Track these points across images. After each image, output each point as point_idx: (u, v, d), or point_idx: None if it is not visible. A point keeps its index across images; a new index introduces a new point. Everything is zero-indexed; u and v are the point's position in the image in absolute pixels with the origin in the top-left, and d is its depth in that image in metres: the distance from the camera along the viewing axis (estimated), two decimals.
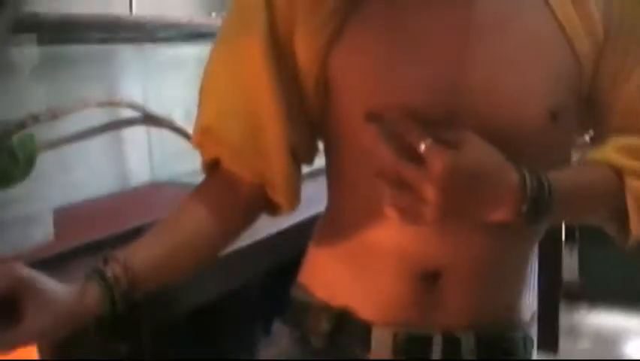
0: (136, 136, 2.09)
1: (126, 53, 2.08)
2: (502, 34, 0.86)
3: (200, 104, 0.95)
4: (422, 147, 0.76)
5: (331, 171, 0.99)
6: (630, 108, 0.92)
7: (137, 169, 2.18)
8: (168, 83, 2.15)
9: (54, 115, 1.57)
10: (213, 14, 2.16)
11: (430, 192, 0.75)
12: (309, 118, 0.94)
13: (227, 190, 0.94)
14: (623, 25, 0.90)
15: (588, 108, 0.93)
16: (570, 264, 3.55)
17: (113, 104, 1.77)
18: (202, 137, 0.94)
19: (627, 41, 0.90)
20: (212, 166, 0.95)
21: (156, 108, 2.07)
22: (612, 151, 0.90)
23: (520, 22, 0.87)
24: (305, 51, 0.89)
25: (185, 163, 1.83)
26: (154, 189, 2.18)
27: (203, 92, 0.95)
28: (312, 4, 0.88)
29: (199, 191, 0.96)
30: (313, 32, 0.88)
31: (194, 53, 2.13)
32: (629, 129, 0.92)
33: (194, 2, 2.31)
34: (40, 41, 1.64)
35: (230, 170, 0.93)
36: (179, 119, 1.95)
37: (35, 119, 1.44)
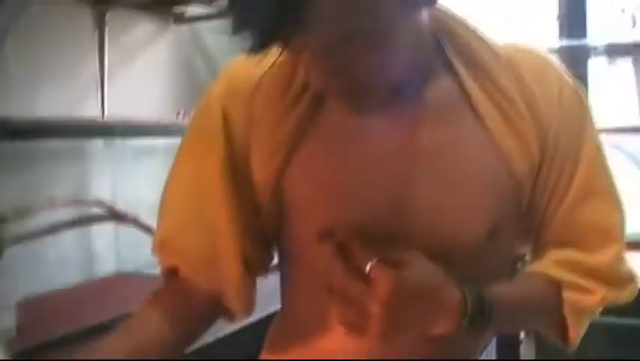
0: (103, 227, 2.16)
1: (95, 148, 2.17)
2: (444, 159, 0.92)
3: (159, 216, 1.00)
4: (368, 266, 0.80)
5: (284, 281, 1.04)
6: (567, 223, 0.96)
7: (103, 260, 2.25)
8: (136, 176, 2.23)
9: (20, 215, 1.63)
10: (181, 113, 2.27)
11: (375, 310, 0.79)
12: (264, 232, 0.99)
13: (185, 297, 0.98)
14: (557, 145, 0.94)
15: (528, 223, 0.98)
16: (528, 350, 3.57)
17: (79, 202, 1.85)
18: (161, 247, 0.99)
19: (562, 160, 0.94)
20: (170, 273, 0.99)
21: (124, 198, 2.15)
22: (550, 264, 0.95)
23: (460, 146, 0.92)
24: (260, 173, 0.95)
25: (151, 254, 1.88)
26: (119, 280, 2.23)
27: (163, 205, 1.00)
28: (266, 131, 0.94)
29: (157, 296, 1.00)
30: (267, 157, 0.94)
31: (162, 147, 2.25)
32: (567, 243, 0.96)
33: (163, 101, 2.44)
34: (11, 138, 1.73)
35: (187, 278, 0.97)
36: (149, 208, 2.02)
37: (2, 220, 1.51)
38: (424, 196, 0.91)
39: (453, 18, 0.94)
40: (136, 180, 2.25)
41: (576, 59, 2.31)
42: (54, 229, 1.88)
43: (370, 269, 0.80)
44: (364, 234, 0.87)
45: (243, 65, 0.98)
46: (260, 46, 0.76)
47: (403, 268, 0.81)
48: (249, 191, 0.95)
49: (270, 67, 0.93)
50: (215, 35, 2.67)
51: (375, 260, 0.80)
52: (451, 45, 0.93)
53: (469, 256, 0.91)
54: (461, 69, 0.92)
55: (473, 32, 0.95)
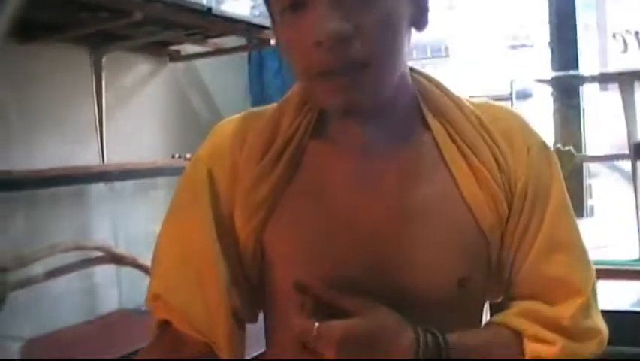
0: (104, 266, 2.20)
1: (95, 191, 2.22)
2: (417, 215, 0.96)
3: (152, 270, 1.05)
4: (316, 325, 0.87)
5: (267, 327, 1.07)
6: (532, 276, 0.98)
7: (106, 298, 2.29)
8: (137, 213, 2.28)
9: (22, 262, 1.67)
10: (176, 155, 2.32)
11: (330, 356, 0.87)
12: (250, 283, 1.03)
13: (177, 347, 1.02)
14: (524, 199, 0.97)
15: (498, 274, 1.01)
16: None
17: (79, 247, 1.89)
18: (153, 302, 1.02)
19: (529, 214, 0.97)
20: (162, 325, 1.02)
21: (126, 237, 2.20)
22: (513, 315, 0.97)
23: (433, 202, 0.96)
24: (243, 229, 0.99)
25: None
26: (122, 317, 2.27)
27: (154, 260, 1.04)
28: (247, 189, 0.98)
29: (151, 348, 1.04)
30: (248, 214, 0.99)
31: (161, 185, 2.29)
32: (533, 295, 0.98)
33: (162, 139, 2.49)
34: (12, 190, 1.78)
35: (180, 330, 1.01)
36: (151, 244, 2.06)
37: (3, 269, 1.54)
38: (398, 251, 0.95)
39: (427, 78, 1.00)
40: (136, 217, 2.29)
41: (568, 88, 2.34)
42: (55, 274, 1.92)
43: (318, 327, 0.86)
44: (339, 287, 0.91)
45: (229, 126, 1.03)
46: None
47: (356, 316, 0.88)
48: (234, 246, 1.00)
49: (252, 126, 0.99)
50: (211, 72, 2.72)
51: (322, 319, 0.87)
52: (426, 105, 0.98)
53: (440, 306, 0.94)
54: (436, 127, 0.97)
55: (446, 92, 0.99)
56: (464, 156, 0.96)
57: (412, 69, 0.98)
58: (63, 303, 2.13)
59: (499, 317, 0.99)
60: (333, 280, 0.93)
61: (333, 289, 0.92)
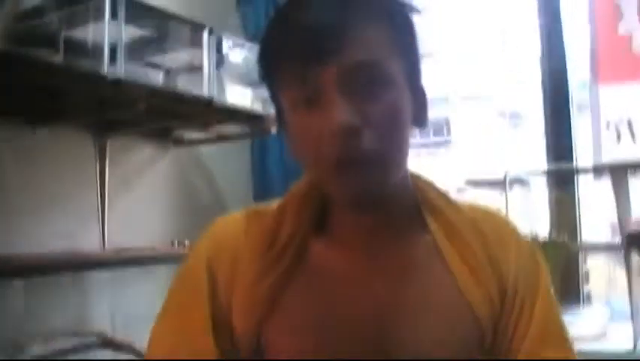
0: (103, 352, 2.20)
1: (95, 278, 2.24)
2: (414, 308, 1.00)
3: None
4: None
5: None
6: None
7: None
8: (136, 300, 2.29)
9: (19, 348, 1.68)
10: (175, 242, 2.35)
11: None
12: None
13: None
14: (515, 296, 1.03)
15: None
16: None
17: (77, 334, 1.90)
18: None
19: (519, 309, 1.03)
20: None
21: (124, 323, 2.20)
22: None
23: (432, 295, 1.01)
24: (241, 323, 1.00)
25: None
26: None
27: (148, 350, 1.04)
28: (248, 286, 1.00)
29: None
30: (249, 309, 0.99)
31: (161, 272, 2.30)
32: None
33: (157, 231, 2.51)
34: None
35: None
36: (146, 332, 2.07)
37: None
38: (398, 346, 0.98)
39: (425, 182, 1.07)
40: (135, 304, 2.29)
41: (563, 178, 2.39)
42: (51, 356, 1.92)
43: None
44: None
45: (228, 222, 1.06)
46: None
47: None
48: (231, 343, 1.00)
49: (254, 223, 1.02)
50: (214, 159, 2.77)
51: None
52: (425, 206, 1.04)
53: None
54: (434, 228, 1.03)
55: (442, 194, 1.07)
56: (461, 255, 1.02)
57: (409, 172, 1.04)
58: None
59: None
60: None
61: None
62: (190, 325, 1.01)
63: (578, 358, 1.05)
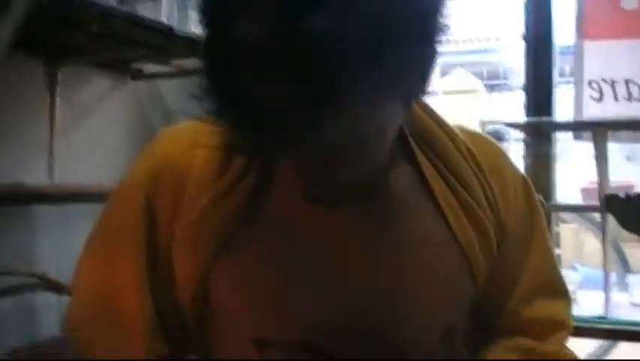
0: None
1: (40, 215, 2.10)
2: (402, 260, 0.85)
3: (72, 294, 0.93)
4: None
5: None
6: (517, 314, 0.94)
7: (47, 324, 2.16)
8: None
9: None
10: None
11: None
12: (184, 329, 0.90)
13: None
14: (510, 238, 0.91)
15: (479, 313, 0.93)
16: None
17: (14, 273, 1.77)
18: (70, 332, 0.92)
19: (514, 253, 0.92)
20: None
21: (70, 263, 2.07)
22: (504, 351, 0.92)
23: (421, 246, 0.86)
24: (184, 267, 0.85)
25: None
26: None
27: (74, 284, 0.92)
28: (194, 223, 0.84)
29: None
30: (194, 250, 0.84)
31: None
32: (517, 333, 0.94)
33: (111, 169, 2.34)
34: None
35: None
36: None
37: None
38: (380, 300, 0.84)
39: (425, 110, 0.90)
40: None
41: (541, 134, 2.28)
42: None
43: None
44: (310, 342, 0.82)
45: (173, 138, 0.90)
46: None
47: None
48: (168, 286, 0.86)
49: (205, 139, 0.80)
50: (174, 95, 2.59)
51: None
52: (412, 133, 0.88)
53: (425, 356, 0.86)
54: (422, 158, 0.87)
55: (435, 118, 0.90)
56: (455, 192, 0.87)
57: None
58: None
59: (489, 354, 0.92)
60: (303, 337, 0.82)
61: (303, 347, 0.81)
62: (119, 263, 0.87)
63: None
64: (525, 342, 0.93)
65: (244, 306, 0.85)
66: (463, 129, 0.93)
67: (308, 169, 0.76)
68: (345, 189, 0.80)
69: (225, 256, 0.84)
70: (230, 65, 0.65)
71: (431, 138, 0.88)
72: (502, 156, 0.95)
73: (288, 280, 0.84)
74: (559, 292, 0.98)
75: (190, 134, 0.88)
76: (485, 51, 6.99)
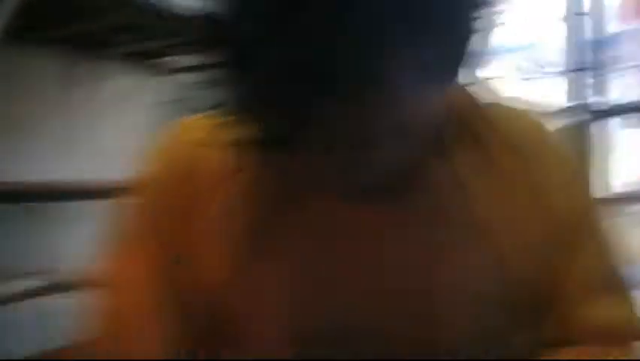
0: None
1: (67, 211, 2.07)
2: (431, 267, 0.78)
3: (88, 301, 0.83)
4: None
5: None
6: (569, 324, 0.83)
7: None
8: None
9: None
10: None
11: None
12: (212, 325, 0.82)
13: None
14: (561, 232, 0.81)
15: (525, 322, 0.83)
16: None
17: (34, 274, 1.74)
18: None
19: (567, 241, 0.82)
20: None
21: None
22: None
23: (452, 253, 0.79)
24: (208, 276, 0.78)
25: None
26: None
27: (91, 290, 0.83)
28: (214, 224, 0.78)
29: None
30: (216, 255, 0.78)
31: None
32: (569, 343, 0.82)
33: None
34: None
35: None
36: None
37: None
38: (417, 301, 0.77)
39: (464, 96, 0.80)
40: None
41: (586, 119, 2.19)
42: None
43: None
44: (344, 342, 0.77)
45: (187, 130, 0.83)
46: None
47: None
48: (192, 287, 0.79)
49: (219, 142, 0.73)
50: (197, 88, 2.56)
51: None
52: (451, 122, 0.77)
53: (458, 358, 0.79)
54: (460, 153, 0.79)
55: (478, 104, 0.81)
56: (496, 193, 0.79)
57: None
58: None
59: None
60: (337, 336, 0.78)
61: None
62: (138, 277, 0.80)
63: None
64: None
65: (276, 306, 0.79)
66: (509, 112, 0.85)
67: (345, 160, 0.67)
68: (380, 185, 0.73)
69: (255, 254, 0.78)
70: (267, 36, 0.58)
71: (472, 128, 0.80)
72: (553, 145, 0.86)
73: (323, 280, 0.78)
74: (618, 289, 0.85)
75: (201, 129, 0.80)
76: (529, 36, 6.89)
